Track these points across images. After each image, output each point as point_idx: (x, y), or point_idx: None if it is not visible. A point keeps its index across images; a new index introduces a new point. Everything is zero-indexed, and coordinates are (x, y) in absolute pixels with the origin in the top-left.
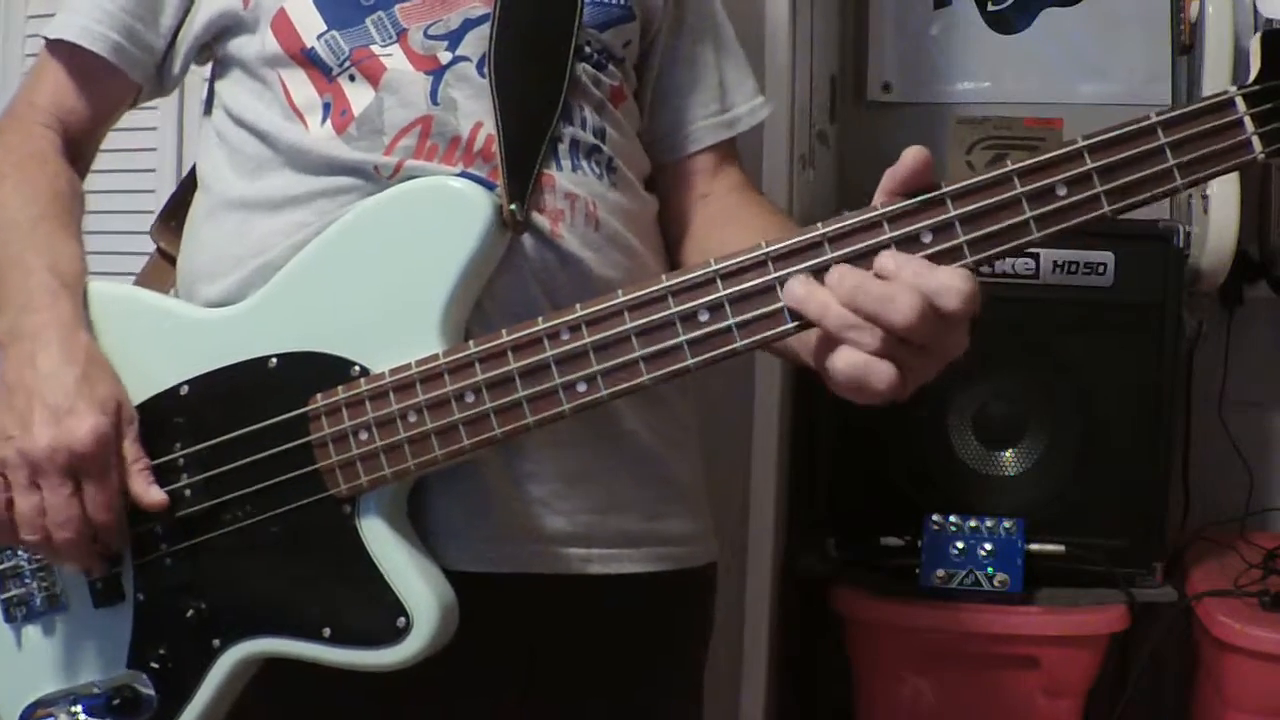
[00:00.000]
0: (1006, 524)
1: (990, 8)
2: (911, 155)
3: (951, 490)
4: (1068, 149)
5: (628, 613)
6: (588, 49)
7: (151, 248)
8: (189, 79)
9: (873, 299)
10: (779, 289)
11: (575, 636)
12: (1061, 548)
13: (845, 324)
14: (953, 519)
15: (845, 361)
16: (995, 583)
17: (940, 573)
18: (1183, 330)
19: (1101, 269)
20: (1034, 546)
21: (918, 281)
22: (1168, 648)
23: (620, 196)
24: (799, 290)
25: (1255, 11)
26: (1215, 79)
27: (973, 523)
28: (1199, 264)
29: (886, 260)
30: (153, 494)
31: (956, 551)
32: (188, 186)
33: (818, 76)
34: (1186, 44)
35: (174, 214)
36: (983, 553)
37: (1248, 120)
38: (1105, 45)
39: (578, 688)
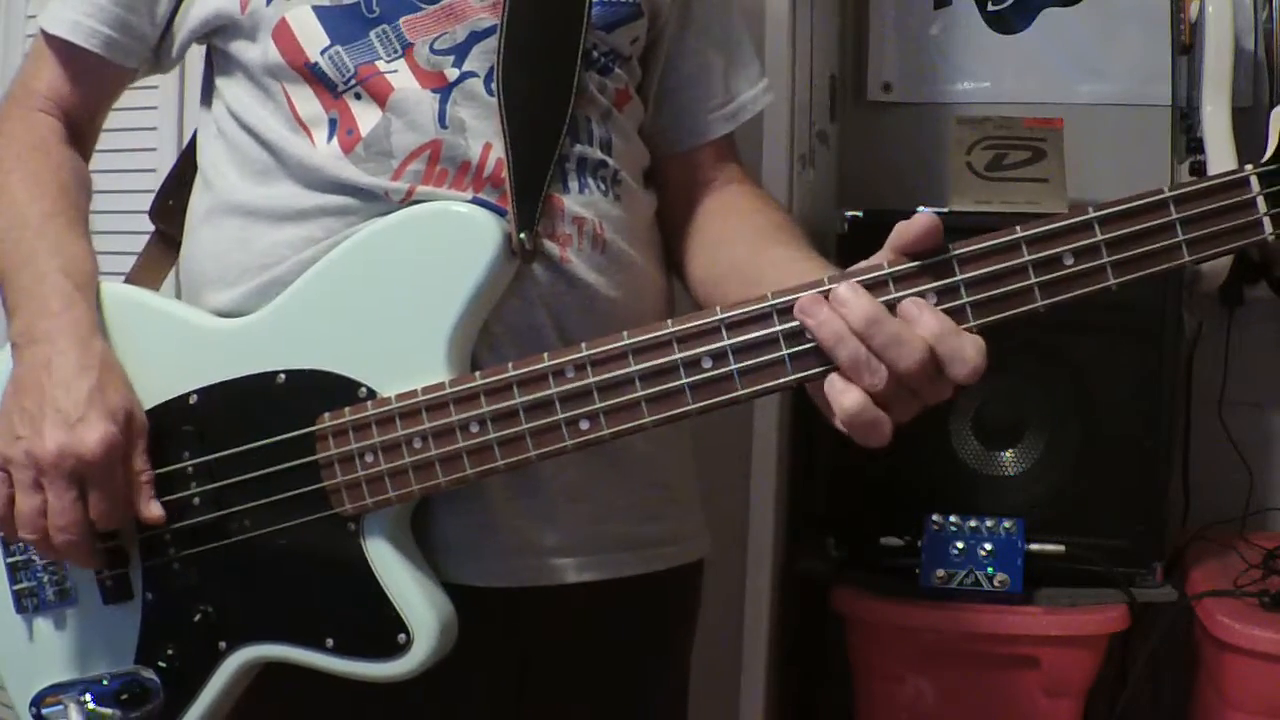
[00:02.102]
0: (1006, 524)
1: (990, 8)
2: (923, 221)
3: (951, 490)
4: (1078, 219)
5: (620, 614)
6: (595, 53)
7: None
8: (190, 53)
9: (886, 336)
10: (782, 341)
11: (568, 641)
12: (1061, 548)
13: (857, 361)
14: (953, 519)
15: (854, 403)
16: (995, 583)
17: (940, 573)
18: (1183, 330)
19: None
20: (1034, 546)
21: (935, 341)
22: (1168, 648)
23: (623, 211)
24: (814, 310)
25: (1255, 11)
26: (1215, 79)
27: (973, 523)
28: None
29: (910, 308)
30: (153, 509)
31: (956, 551)
32: (185, 164)
33: (818, 76)
34: (1186, 44)
35: (172, 193)
36: (983, 553)
37: (1260, 200)
38: (1105, 45)
39: (571, 689)
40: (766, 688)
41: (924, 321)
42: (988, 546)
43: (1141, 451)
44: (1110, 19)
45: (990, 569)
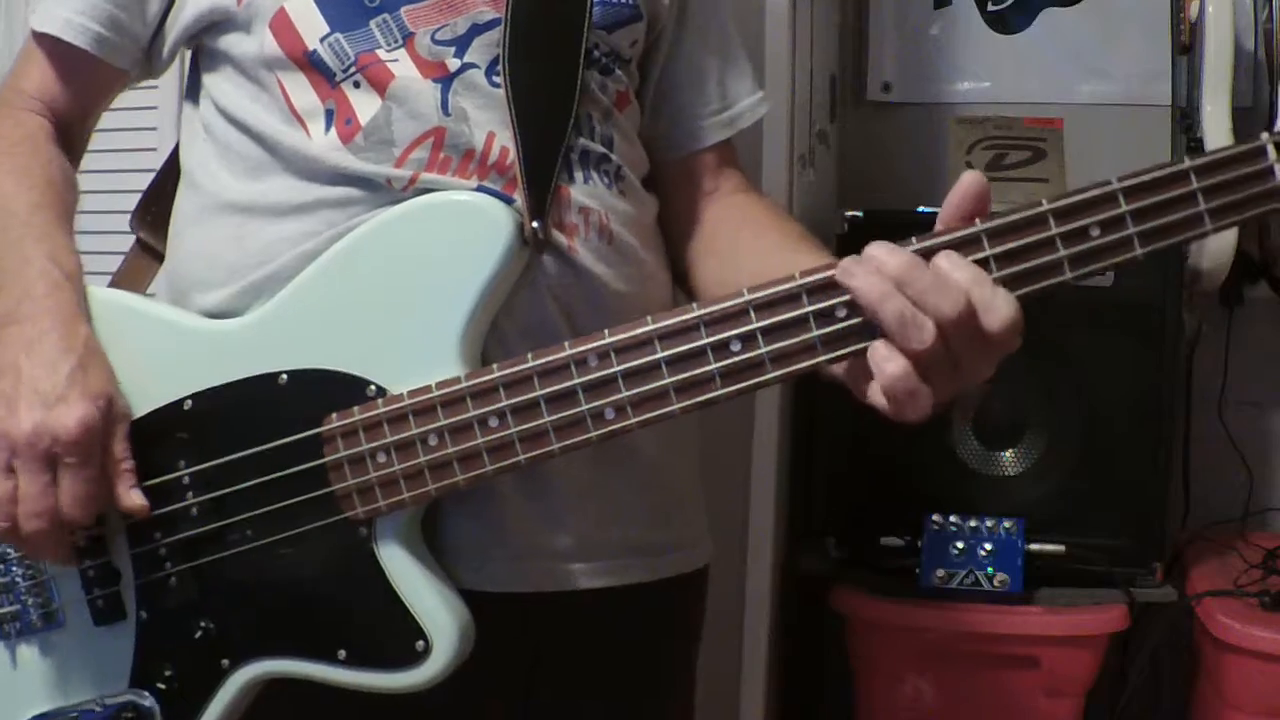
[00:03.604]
0: (1006, 524)
1: (990, 8)
2: (968, 179)
3: (951, 490)
4: (1103, 190)
5: (627, 619)
6: (596, 52)
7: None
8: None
9: (926, 281)
10: (812, 321)
11: (576, 645)
12: (1061, 548)
13: (903, 318)
14: (953, 519)
15: (899, 369)
16: (995, 583)
17: (940, 573)
18: (1183, 330)
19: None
20: (1034, 546)
21: (970, 286)
22: (1168, 648)
23: (629, 206)
24: (855, 270)
25: (1255, 11)
26: (1215, 79)
27: (973, 523)
28: (1199, 264)
29: (943, 260)
30: (133, 497)
31: (956, 551)
32: (167, 174)
33: (818, 76)
34: (1186, 44)
35: (153, 202)
36: (983, 553)
37: (1278, 168)
38: (1105, 45)
39: (578, 693)
40: (766, 688)
41: (958, 271)
42: (988, 546)
43: (1141, 451)
44: (1110, 19)
45: (990, 569)
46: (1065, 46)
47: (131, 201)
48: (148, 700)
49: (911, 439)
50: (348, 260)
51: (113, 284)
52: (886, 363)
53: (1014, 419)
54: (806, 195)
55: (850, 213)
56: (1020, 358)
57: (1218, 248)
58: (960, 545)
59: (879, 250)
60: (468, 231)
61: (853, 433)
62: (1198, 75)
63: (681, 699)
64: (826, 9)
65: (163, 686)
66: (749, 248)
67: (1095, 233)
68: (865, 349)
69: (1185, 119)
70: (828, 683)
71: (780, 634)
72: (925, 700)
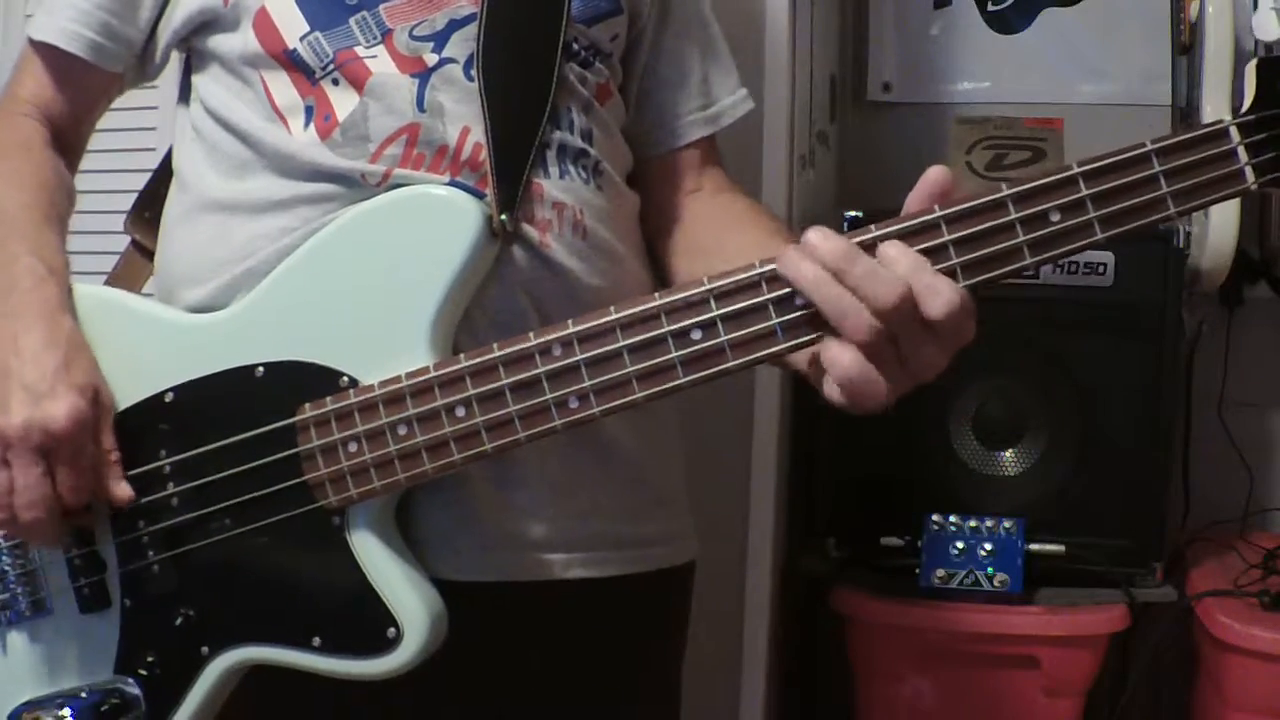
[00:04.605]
0: (1006, 524)
1: (990, 8)
2: (933, 174)
3: (951, 490)
4: (1062, 175)
5: (609, 614)
6: (575, 45)
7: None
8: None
9: (862, 270)
10: (771, 309)
11: (558, 638)
12: (1061, 548)
13: (840, 305)
14: (953, 519)
15: (851, 361)
16: (995, 583)
17: (940, 573)
18: (1183, 330)
19: (1101, 269)
20: (1034, 546)
21: (910, 275)
22: (1168, 648)
23: (606, 201)
24: (793, 263)
25: (1255, 14)
26: (1215, 79)
27: (973, 523)
28: (1199, 264)
29: (889, 248)
30: (121, 489)
31: (956, 551)
32: (161, 177)
33: (818, 76)
34: (1186, 44)
35: (148, 205)
36: (983, 553)
37: (1241, 150)
38: (1105, 45)
39: (561, 687)
40: (766, 688)
41: (901, 260)
42: (988, 546)
43: (1141, 451)
44: (1110, 19)
45: (990, 569)
46: (1065, 46)
47: (129, 201)
48: (132, 687)
49: (911, 439)
50: (321, 254)
51: (108, 284)
52: (841, 355)
53: (1014, 419)
54: (806, 195)
55: (850, 213)
56: (1020, 357)
57: (1218, 248)
58: (960, 545)
59: (815, 236)
60: (436, 224)
61: (853, 433)
62: (1198, 75)
63: (665, 692)
64: (826, 9)
65: (145, 673)
66: (734, 244)
67: (1055, 217)
68: (822, 337)
69: (1185, 119)
70: (827, 683)
71: (780, 634)
72: (925, 700)
